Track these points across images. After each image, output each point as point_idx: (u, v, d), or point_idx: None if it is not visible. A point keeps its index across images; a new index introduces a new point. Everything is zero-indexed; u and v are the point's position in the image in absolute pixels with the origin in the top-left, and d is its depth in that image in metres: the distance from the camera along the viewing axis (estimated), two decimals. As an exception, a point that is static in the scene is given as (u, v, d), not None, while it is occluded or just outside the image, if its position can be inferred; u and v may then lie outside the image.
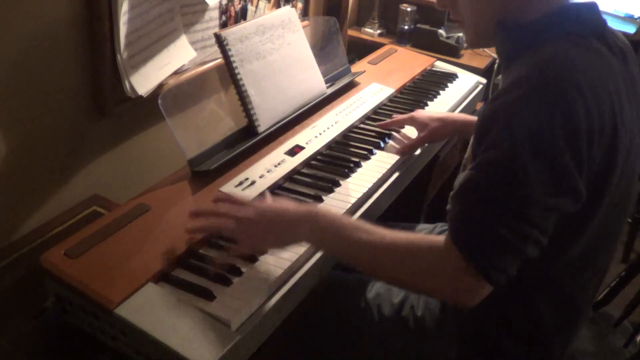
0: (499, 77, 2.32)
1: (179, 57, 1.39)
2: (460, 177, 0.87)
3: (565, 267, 0.95)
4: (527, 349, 1.01)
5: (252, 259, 0.99)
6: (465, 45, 2.20)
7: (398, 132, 1.45)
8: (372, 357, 1.14)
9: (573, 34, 0.88)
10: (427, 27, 2.23)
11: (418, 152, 1.43)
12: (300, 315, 1.06)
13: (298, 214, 0.95)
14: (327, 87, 1.56)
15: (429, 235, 0.92)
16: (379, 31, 2.34)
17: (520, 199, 0.80)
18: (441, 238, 0.87)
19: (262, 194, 1.12)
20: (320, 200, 1.17)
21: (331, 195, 1.19)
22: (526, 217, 0.80)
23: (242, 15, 1.61)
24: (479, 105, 1.95)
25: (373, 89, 1.67)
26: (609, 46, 0.90)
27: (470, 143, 0.94)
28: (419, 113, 1.42)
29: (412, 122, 1.41)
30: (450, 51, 2.16)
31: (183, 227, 1.04)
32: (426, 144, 1.42)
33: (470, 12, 0.97)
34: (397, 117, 1.46)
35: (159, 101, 1.14)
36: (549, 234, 0.84)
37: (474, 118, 1.38)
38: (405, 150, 1.36)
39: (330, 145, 1.38)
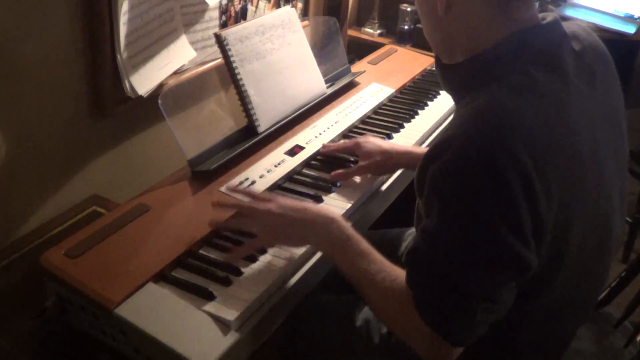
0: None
1: (179, 57, 1.39)
2: (413, 237, 0.86)
3: (542, 312, 0.91)
4: None
5: (252, 259, 0.99)
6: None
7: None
8: None
9: (517, 74, 0.81)
10: (427, 27, 2.22)
11: (420, 150, 1.43)
12: (288, 337, 1.06)
13: (318, 216, 0.95)
14: (327, 87, 1.56)
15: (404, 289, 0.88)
16: (379, 31, 2.34)
17: (457, 271, 0.78)
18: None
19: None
20: (320, 200, 1.17)
21: (331, 195, 1.19)
22: (467, 287, 0.78)
23: (242, 15, 1.61)
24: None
25: (373, 89, 1.67)
26: (564, 77, 0.83)
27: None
28: (366, 141, 1.27)
29: (357, 148, 1.27)
30: (450, 51, 2.16)
31: (183, 227, 1.05)
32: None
33: (427, 33, 0.94)
34: (342, 143, 1.34)
35: (159, 101, 1.14)
36: (505, 299, 0.80)
37: (422, 151, 1.21)
38: (340, 177, 1.23)
39: (330, 145, 1.38)
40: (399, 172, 1.33)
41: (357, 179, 1.25)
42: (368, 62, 1.87)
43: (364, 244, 0.92)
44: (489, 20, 0.84)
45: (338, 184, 1.22)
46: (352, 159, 1.31)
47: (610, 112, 0.92)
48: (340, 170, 1.24)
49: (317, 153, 1.33)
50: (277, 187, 1.21)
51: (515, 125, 0.76)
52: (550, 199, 0.77)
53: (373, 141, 1.27)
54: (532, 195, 0.75)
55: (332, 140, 1.38)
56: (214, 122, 1.31)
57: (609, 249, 0.95)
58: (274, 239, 1.00)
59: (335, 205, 1.16)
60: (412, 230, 1.39)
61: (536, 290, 0.86)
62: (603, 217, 0.90)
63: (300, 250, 1.02)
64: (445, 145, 0.79)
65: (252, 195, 1.05)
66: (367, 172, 1.26)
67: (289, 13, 1.48)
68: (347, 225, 0.95)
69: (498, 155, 0.74)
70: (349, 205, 1.17)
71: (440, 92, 1.74)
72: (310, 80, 1.49)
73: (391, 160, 1.25)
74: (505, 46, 0.83)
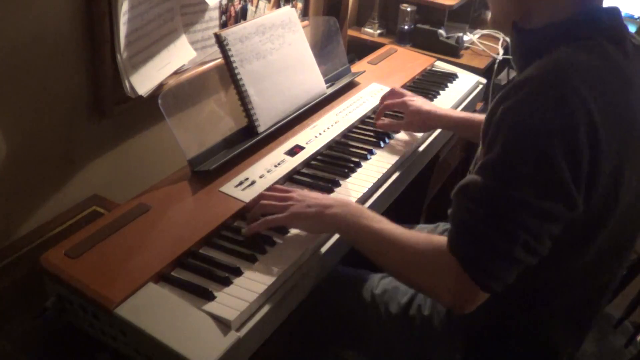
0: (499, 77, 2.32)
1: (179, 57, 1.39)
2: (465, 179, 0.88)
3: (578, 273, 0.94)
4: (535, 352, 1.01)
5: (252, 259, 0.99)
6: (465, 45, 2.21)
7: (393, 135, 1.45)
8: (376, 354, 1.14)
9: (586, 39, 0.88)
10: (427, 27, 2.22)
11: (421, 148, 1.44)
12: (306, 308, 1.06)
13: (336, 200, 1.04)
14: (327, 87, 1.56)
15: (435, 236, 0.92)
16: (379, 31, 2.34)
17: (509, 202, 0.80)
18: (444, 240, 0.88)
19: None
20: (321, 200, 1.17)
21: (331, 195, 1.19)
22: (515, 220, 0.80)
23: (242, 15, 1.61)
24: (479, 105, 1.95)
25: (373, 89, 1.67)
26: (626, 53, 0.89)
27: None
28: (412, 100, 1.44)
29: (404, 106, 1.43)
30: (450, 51, 2.16)
31: (183, 227, 1.05)
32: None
33: (496, 9, 1.02)
34: (389, 102, 1.46)
35: (159, 101, 1.14)
36: (546, 242, 0.83)
37: (463, 115, 1.42)
38: (386, 127, 1.42)
39: (330, 145, 1.38)
40: (399, 172, 1.33)
41: (360, 180, 1.25)
42: (368, 62, 1.87)
43: (379, 215, 0.99)
44: None
45: (375, 151, 1.36)
46: (353, 159, 1.31)
47: None
48: (388, 121, 1.43)
49: (318, 153, 1.34)
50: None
51: (584, 73, 0.82)
52: (610, 147, 0.81)
53: (416, 100, 1.44)
54: (594, 140, 0.79)
55: (332, 140, 1.38)
56: (214, 122, 1.31)
57: (636, 235, 0.99)
58: (295, 221, 1.03)
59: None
60: (418, 227, 1.40)
61: (579, 245, 0.89)
62: None
63: (300, 251, 1.02)
64: (518, 86, 0.83)
65: (272, 188, 1.12)
66: (411, 129, 1.44)
67: (289, 13, 1.48)
68: (359, 204, 1.03)
69: (569, 96, 0.79)
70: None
71: (440, 92, 1.73)
72: (310, 80, 1.49)
73: (431, 120, 1.41)
74: (580, 17, 0.90)
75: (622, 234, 0.94)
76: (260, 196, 1.09)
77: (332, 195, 1.19)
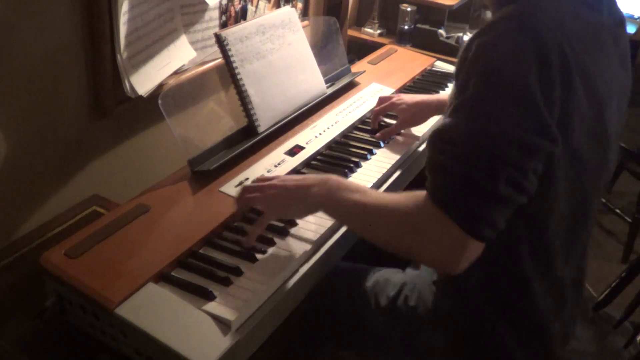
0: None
1: (179, 57, 1.39)
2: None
3: (543, 240, 0.93)
4: (524, 336, 1.00)
5: (252, 259, 0.99)
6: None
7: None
8: (369, 346, 1.15)
9: None
10: (427, 27, 2.23)
11: (421, 148, 1.44)
12: (302, 310, 1.06)
13: (316, 177, 1.00)
14: (327, 87, 1.56)
15: (417, 192, 0.89)
16: (379, 31, 2.34)
17: (488, 137, 0.79)
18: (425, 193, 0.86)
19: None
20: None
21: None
22: (497, 155, 0.78)
23: (242, 15, 1.61)
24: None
25: (373, 89, 1.67)
26: (601, 14, 0.91)
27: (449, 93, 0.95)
28: (399, 99, 1.45)
29: (393, 108, 1.45)
30: (450, 51, 2.16)
31: (183, 227, 1.04)
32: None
33: None
34: (380, 107, 1.47)
35: (159, 101, 1.14)
36: (531, 177, 0.81)
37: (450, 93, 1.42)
38: (385, 136, 1.41)
39: (330, 145, 1.38)
40: (399, 171, 1.33)
41: (360, 180, 1.25)
42: (368, 62, 1.87)
43: (363, 185, 0.99)
44: None
45: (382, 144, 1.39)
46: (353, 159, 1.32)
47: (623, 79, 0.97)
48: (386, 130, 1.42)
49: (318, 153, 1.34)
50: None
51: (555, 16, 0.83)
52: (582, 92, 0.82)
53: (404, 97, 1.45)
54: (571, 83, 0.80)
55: (332, 140, 1.38)
56: (214, 122, 1.31)
57: (602, 175, 0.98)
58: (279, 209, 1.02)
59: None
60: None
61: (544, 203, 0.87)
62: (601, 141, 0.93)
63: (300, 251, 1.02)
64: (493, 24, 0.84)
65: (257, 179, 1.09)
66: (406, 126, 1.44)
67: (289, 13, 1.48)
68: (342, 178, 1.00)
69: (544, 34, 0.80)
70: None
71: (440, 92, 1.73)
72: (310, 80, 1.49)
73: (422, 110, 1.42)
74: None
75: (580, 195, 0.94)
76: (243, 189, 1.06)
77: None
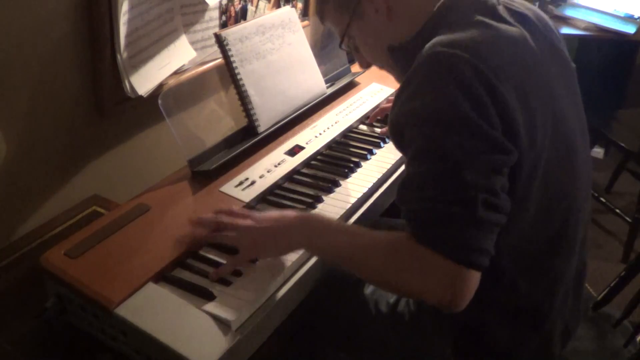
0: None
1: (179, 57, 1.39)
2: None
3: (525, 231, 0.94)
4: (523, 335, 1.00)
5: (252, 259, 0.99)
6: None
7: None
8: (370, 352, 1.14)
9: (456, 22, 0.90)
10: (427, 27, 2.22)
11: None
12: (301, 310, 1.06)
13: (295, 217, 0.96)
14: (327, 87, 1.56)
15: (395, 239, 0.87)
16: (379, 31, 2.34)
17: (450, 171, 0.80)
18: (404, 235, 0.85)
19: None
20: (320, 200, 1.17)
21: (331, 195, 1.19)
22: (461, 183, 0.80)
23: (242, 15, 1.61)
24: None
25: (373, 89, 1.67)
26: (503, 20, 0.91)
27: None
28: (388, 103, 1.50)
29: (383, 113, 1.50)
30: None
31: (183, 227, 1.04)
32: None
33: (377, 62, 1.07)
34: (386, 105, 1.52)
35: (159, 101, 1.14)
36: (502, 196, 0.82)
37: None
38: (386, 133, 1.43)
39: (330, 145, 1.38)
40: (399, 172, 1.33)
41: (360, 180, 1.25)
42: (368, 62, 1.87)
43: (343, 223, 0.98)
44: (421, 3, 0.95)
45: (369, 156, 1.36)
46: (353, 159, 1.32)
47: (563, 65, 0.99)
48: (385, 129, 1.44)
49: (318, 153, 1.34)
50: (277, 187, 1.21)
51: (457, 41, 0.84)
52: (510, 92, 0.83)
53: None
54: (493, 92, 0.82)
55: (332, 140, 1.39)
56: (214, 122, 1.31)
57: (577, 167, 0.98)
58: (257, 253, 0.99)
59: (335, 205, 1.16)
60: None
61: (518, 201, 0.88)
62: (563, 136, 0.95)
63: (300, 251, 1.02)
64: (407, 80, 0.86)
65: (230, 212, 1.03)
66: None
67: (289, 13, 1.48)
68: (321, 216, 0.99)
69: (450, 59, 0.82)
70: (349, 205, 1.17)
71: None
72: (310, 80, 1.49)
73: None
74: (440, 10, 0.93)
75: (557, 184, 0.95)
76: (217, 222, 1.02)
77: (330, 195, 1.19)
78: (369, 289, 1.15)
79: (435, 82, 0.83)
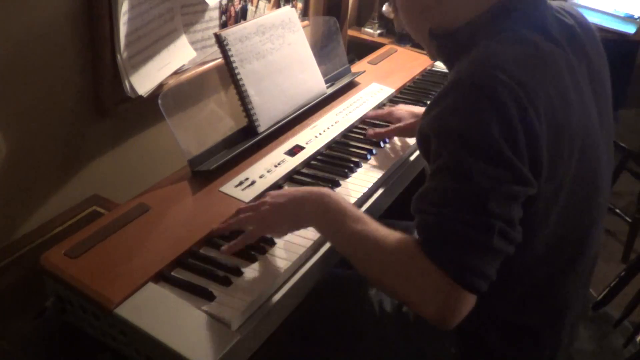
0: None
1: (179, 57, 1.40)
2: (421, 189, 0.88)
3: (528, 264, 0.94)
4: (525, 351, 1.01)
5: (252, 259, 0.99)
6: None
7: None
8: (374, 353, 1.14)
9: (506, 31, 0.89)
10: (427, 27, 2.22)
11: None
12: (302, 310, 1.06)
13: (310, 193, 0.98)
14: (327, 87, 1.56)
15: (407, 240, 0.87)
16: (379, 31, 2.34)
17: (471, 195, 0.80)
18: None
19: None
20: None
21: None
22: (482, 209, 0.80)
23: (242, 15, 1.61)
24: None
25: (373, 89, 1.67)
26: (550, 37, 0.91)
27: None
28: (397, 108, 1.46)
29: (389, 115, 1.46)
30: (450, 51, 2.16)
31: (183, 227, 1.05)
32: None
33: (411, 31, 1.05)
34: (378, 111, 1.49)
35: (159, 101, 1.14)
36: (517, 227, 0.83)
37: None
38: (378, 135, 1.40)
39: (330, 145, 1.38)
40: (400, 172, 1.33)
41: (360, 180, 1.25)
42: (368, 62, 1.87)
43: (360, 212, 0.95)
44: None
45: (374, 151, 1.36)
46: (353, 159, 1.32)
47: (599, 88, 0.98)
48: (379, 129, 1.41)
49: (318, 153, 1.34)
50: (277, 187, 1.21)
51: (502, 61, 0.84)
52: (542, 124, 0.83)
53: (404, 107, 1.47)
54: (526, 118, 0.81)
55: (332, 140, 1.39)
56: (214, 122, 1.31)
57: (598, 205, 0.99)
58: (269, 227, 1.00)
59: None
60: None
61: (525, 236, 0.87)
62: (590, 169, 0.94)
63: (300, 251, 1.02)
64: (445, 92, 0.85)
65: (246, 208, 1.06)
66: (401, 134, 1.42)
67: (289, 13, 1.48)
68: (340, 197, 0.97)
69: (491, 83, 0.81)
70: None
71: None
72: (310, 80, 1.49)
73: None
74: (493, 11, 0.91)
75: (575, 221, 0.95)
76: (238, 211, 1.05)
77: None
78: (373, 290, 1.15)
79: (472, 103, 0.82)
